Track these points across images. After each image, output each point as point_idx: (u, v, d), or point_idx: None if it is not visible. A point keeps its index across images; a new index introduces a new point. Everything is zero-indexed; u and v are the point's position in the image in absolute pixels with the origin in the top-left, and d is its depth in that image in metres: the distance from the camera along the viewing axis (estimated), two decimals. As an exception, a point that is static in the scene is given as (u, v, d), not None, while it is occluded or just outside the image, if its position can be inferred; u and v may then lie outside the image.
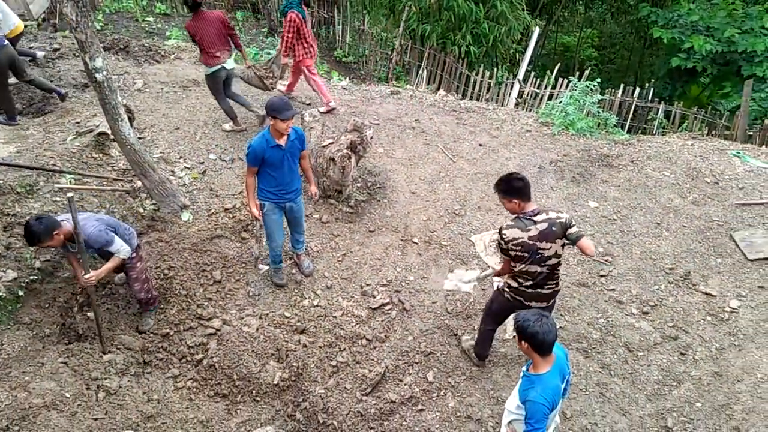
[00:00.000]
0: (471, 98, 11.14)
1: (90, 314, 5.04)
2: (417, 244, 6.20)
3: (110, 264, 4.58)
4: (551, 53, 20.27)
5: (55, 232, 4.17)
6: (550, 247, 3.88)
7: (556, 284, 4.16)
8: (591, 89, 8.27)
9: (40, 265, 4.97)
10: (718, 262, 5.70)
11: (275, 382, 4.90)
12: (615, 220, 6.26)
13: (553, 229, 3.85)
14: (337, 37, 13.90)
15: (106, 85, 5.17)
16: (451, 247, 6.14)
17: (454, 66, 12.60)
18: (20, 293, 4.71)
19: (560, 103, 8.27)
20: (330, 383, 4.89)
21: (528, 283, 4.06)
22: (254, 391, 4.87)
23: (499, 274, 4.45)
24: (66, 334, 4.84)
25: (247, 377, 4.91)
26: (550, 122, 8.05)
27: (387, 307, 5.57)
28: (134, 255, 4.84)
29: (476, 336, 4.93)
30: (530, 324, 3.10)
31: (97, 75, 5.08)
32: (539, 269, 3.96)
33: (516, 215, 3.94)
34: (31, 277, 4.81)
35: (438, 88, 12.34)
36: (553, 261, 3.97)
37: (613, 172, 6.92)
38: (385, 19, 15.02)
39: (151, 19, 12.28)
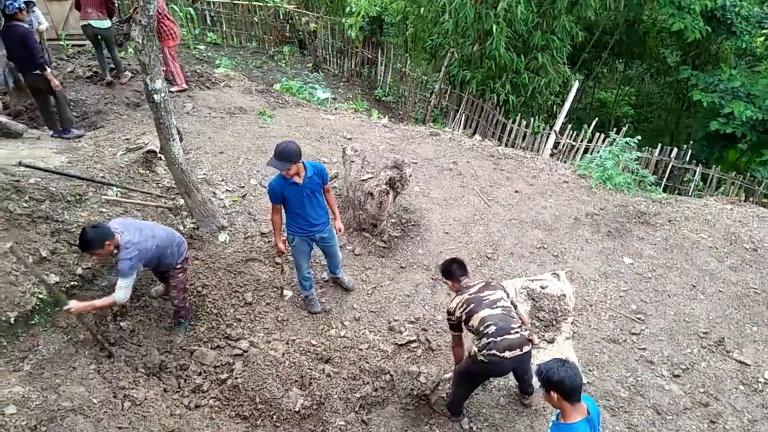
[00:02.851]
0: (506, 145, 11.23)
1: (123, 324, 5.14)
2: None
3: (98, 302, 4.44)
4: (587, 107, 20.42)
5: (107, 242, 4.28)
6: (494, 293, 4.37)
7: (520, 326, 4.23)
8: (630, 146, 8.29)
9: (81, 272, 5.10)
10: (753, 331, 5.57)
11: (296, 409, 4.87)
12: (650, 278, 6.19)
13: (491, 283, 4.53)
14: (379, 77, 14.28)
15: (162, 105, 5.39)
16: (481, 291, 6.11)
17: (492, 113, 12.79)
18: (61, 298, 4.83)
19: (599, 157, 8.29)
20: (350, 417, 4.86)
21: (491, 330, 4.10)
22: (275, 416, 4.85)
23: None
24: (98, 342, 4.92)
25: (270, 401, 4.90)
26: (588, 175, 8.08)
27: (413, 345, 5.55)
28: (179, 266, 4.99)
29: (450, 396, 4.86)
30: (554, 371, 3.07)
31: (155, 96, 5.31)
32: (492, 311, 4.21)
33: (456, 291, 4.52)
34: (72, 283, 4.94)
35: (474, 133, 12.51)
36: (503, 303, 4.31)
37: (649, 230, 6.87)
38: (426, 63, 15.39)
39: (202, 47, 12.80)
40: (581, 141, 11.63)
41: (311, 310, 5.77)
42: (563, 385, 3.05)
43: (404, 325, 5.73)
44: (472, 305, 4.27)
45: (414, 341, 5.57)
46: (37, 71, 6.55)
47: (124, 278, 4.38)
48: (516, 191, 7.61)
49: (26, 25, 6.59)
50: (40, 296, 4.65)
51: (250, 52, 14.11)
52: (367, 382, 5.15)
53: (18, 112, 7.65)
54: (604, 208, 7.33)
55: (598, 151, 8.81)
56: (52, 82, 6.71)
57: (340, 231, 5.62)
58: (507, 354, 4.09)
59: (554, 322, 5.83)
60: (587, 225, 7.04)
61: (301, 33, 14.71)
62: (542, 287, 6.22)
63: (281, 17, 14.60)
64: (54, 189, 5.28)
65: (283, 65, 13.58)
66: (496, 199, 7.44)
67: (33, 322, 4.57)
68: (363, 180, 6.58)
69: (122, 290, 4.40)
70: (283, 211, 5.13)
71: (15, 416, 3.87)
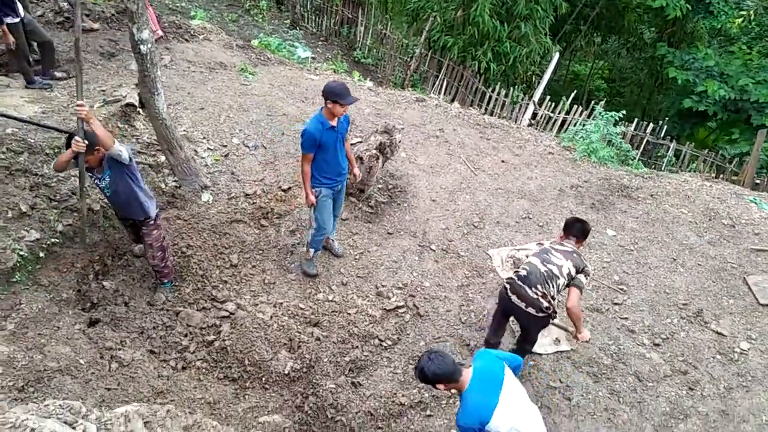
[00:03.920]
0: (486, 114, 11.20)
1: (105, 283, 4.98)
2: (434, 251, 6.21)
3: (104, 131, 4.18)
4: (561, 79, 20.51)
5: (96, 148, 4.21)
6: (560, 259, 4.34)
7: (543, 296, 4.25)
8: (615, 120, 8.37)
9: (62, 228, 4.89)
10: (730, 303, 5.78)
11: (286, 372, 4.85)
12: (632, 250, 6.33)
13: (573, 255, 4.37)
14: (359, 38, 13.94)
15: (149, 57, 5.14)
16: (468, 258, 6.15)
17: (472, 81, 12.71)
18: (41, 254, 4.63)
19: (584, 129, 8.34)
20: (341, 380, 4.86)
21: (522, 273, 4.37)
22: (264, 378, 4.82)
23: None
24: (81, 300, 4.76)
25: (258, 364, 4.85)
26: (572, 147, 8.14)
27: (401, 310, 5.56)
28: (152, 222, 4.80)
29: None
30: (426, 368, 3.16)
31: (141, 47, 5.05)
32: (539, 265, 4.34)
33: None
34: (53, 240, 4.74)
35: (453, 100, 12.44)
36: (554, 270, 4.29)
37: (632, 204, 7.00)
38: (407, 26, 15.10)
39: (177, -3, 12.22)
40: (559, 113, 11.71)
41: (309, 272, 5.69)
42: (440, 376, 3.15)
43: (392, 291, 5.72)
44: (539, 251, 4.45)
45: (402, 307, 5.58)
46: None
47: (121, 150, 4.24)
48: (502, 161, 7.61)
49: None
50: (21, 253, 4.44)
51: (225, 5, 13.55)
52: (356, 346, 5.15)
53: (-17, 58, 7.17)
54: (588, 180, 7.41)
55: (583, 124, 8.86)
56: (5, 38, 6.28)
57: (358, 177, 5.66)
58: (513, 298, 4.29)
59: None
60: (571, 197, 7.11)
61: (279, -12, 14.20)
62: (527, 256, 6.28)
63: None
64: (32, 141, 5.00)
65: (260, 20, 13.10)
66: (483, 168, 7.43)
67: (14, 279, 4.38)
68: (352, 144, 6.45)
69: (123, 152, 4.26)
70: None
71: (1, 377, 3.71)
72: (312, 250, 5.63)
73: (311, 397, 4.70)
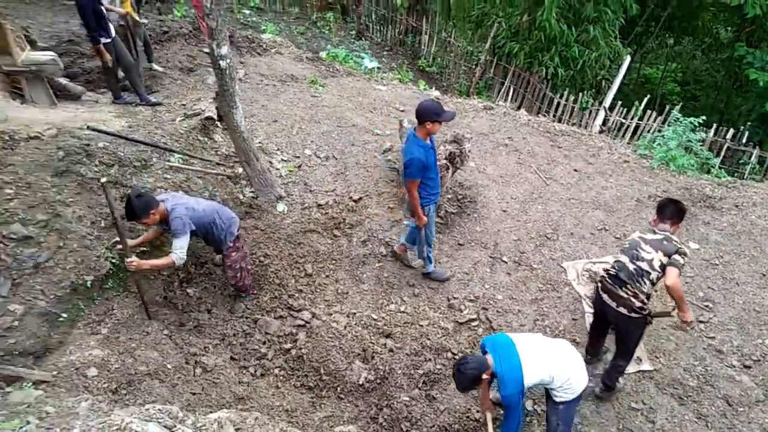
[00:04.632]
0: (556, 121, 10.96)
1: (189, 290, 5.19)
2: (506, 263, 6.12)
3: (157, 261, 4.45)
4: (631, 83, 19.80)
5: (151, 211, 4.29)
6: (649, 254, 4.19)
7: (635, 296, 4.19)
8: (694, 126, 8.00)
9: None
10: (828, 323, 5.39)
11: (360, 382, 4.89)
12: (717, 265, 6.02)
13: (663, 244, 4.21)
14: (423, 47, 13.97)
15: (227, 72, 5.31)
16: (541, 271, 6.03)
17: (539, 87, 12.47)
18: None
19: (661, 135, 8.02)
20: (415, 393, 4.86)
21: (612, 270, 4.35)
22: (339, 388, 4.88)
23: None
24: (167, 306, 4.97)
25: (334, 373, 4.92)
26: (649, 155, 7.84)
27: (474, 323, 5.50)
28: (231, 244, 4.93)
29: None
30: (458, 382, 3.72)
31: (221, 62, 5.23)
32: (628, 262, 4.25)
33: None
34: (143, 249, 4.96)
35: (519, 107, 12.25)
36: (644, 266, 4.18)
37: (715, 215, 6.66)
38: (471, 33, 15.01)
39: (246, 11, 12.62)
40: (632, 118, 11.29)
41: (443, 278, 5.84)
42: (476, 370, 3.61)
43: (464, 303, 5.68)
44: (628, 245, 4.30)
45: (474, 320, 5.52)
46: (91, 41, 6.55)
47: (178, 238, 4.39)
48: (575, 170, 7.42)
49: None
50: (113, 261, 4.68)
51: (292, 18, 13.91)
52: (429, 359, 5.13)
53: (74, 74, 7.65)
54: (667, 190, 7.11)
55: (659, 131, 8.51)
56: (103, 56, 6.68)
57: None
58: (605, 297, 4.28)
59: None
60: (650, 207, 6.84)
61: (344, -1, 14.45)
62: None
63: (325, -18, 14.36)
64: (122, 154, 5.27)
65: (327, 32, 13.37)
66: (555, 177, 7.27)
67: (107, 286, 4.63)
68: (422, 154, 6.46)
69: (178, 251, 4.40)
70: None
71: (97, 378, 3.93)
72: (430, 264, 5.76)
73: (385, 409, 4.72)
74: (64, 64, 6.87)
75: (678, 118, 8.13)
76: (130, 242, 4.50)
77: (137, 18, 7.69)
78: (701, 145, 8.12)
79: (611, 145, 8.16)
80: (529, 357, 3.65)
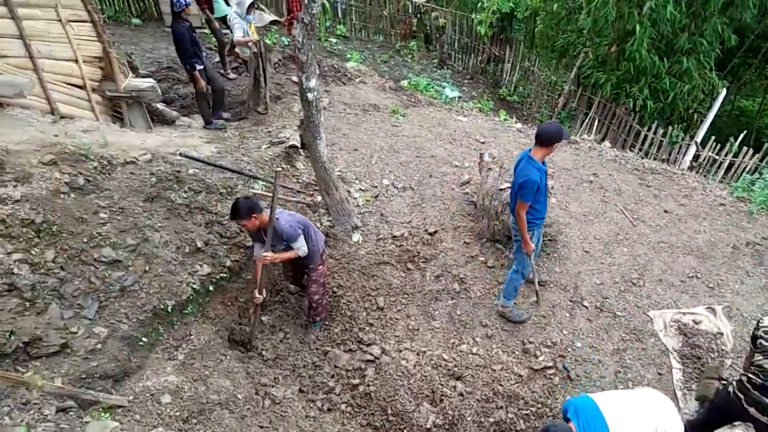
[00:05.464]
0: (645, 156, 10.45)
1: (264, 318, 5.27)
2: (587, 308, 5.81)
3: (287, 254, 4.68)
4: (724, 115, 18.63)
5: (254, 215, 4.43)
6: None
7: None
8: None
9: (230, 263, 5.27)
10: None
11: (428, 427, 4.76)
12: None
13: None
14: (504, 75, 13.80)
15: (314, 104, 5.42)
16: (625, 319, 5.67)
17: (625, 119, 11.97)
18: (210, 288, 5.00)
19: (762, 177, 7.44)
20: (485, 441, 4.67)
21: (757, 381, 3.59)
22: (405, 431, 4.77)
23: None
24: (241, 334, 5.06)
25: (401, 414, 4.82)
26: (747, 198, 7.27)
27: (550, 371, 5.24)
28: (319, 260, 5.03)
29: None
30: None
31: (308, 94, 5.34)
32: None
33: None
34: (221, 275, 5.10)
35: (603, 139, 11.80)
36: None
37: (828, 269, 6.07)
38: (555, 62, 14.70)
39: (333, 40, 12.95)
40: (725, 155, 10.57)
41: (518, 319, 5.62)
42: None
43: (540, 349, 5.42)
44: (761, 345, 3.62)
45: (551, 368, 5.26)
46: (188, 68, 6.92)
47: (294, 240, 4.62)
48: (665, 211, 6.99)
49: (188, 24, 6.91)
50: (194, 286, 4.83)
51: (377, 46, 14.15)
52: (501, 407, 4.92)
53: (171, 100, 8.08)
54: (768, 238, 6.56)
55: (759, 171, 7.90)
56: (198, 82, 7.03)
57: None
58: (752, 410, 3.60)
59: (709, 363, 5.29)
60: (748, 256, 6.33)
61: (428, 28, 14.51)
62: (695, 322, 5.68)
63: (410, 11, 14.50)
64: (210, 181, 5.47)
65: (410, 60, 13.49)
66: (642, 218, 6.88)
67: (187, 311, 4.77)
68: (501, 189, 6.31)
69: (301, 246, 4.68)
70: None
71: (170, 405, 4.03)
72: (508, 301, 5.57)
73: (454, 456, 4.56)
74: (162, 89, 7.27)
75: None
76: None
77: (268, 43, 8.12)
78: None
79: (705, 186, 7.64)
80: (617, 422, 3.32)
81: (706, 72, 12.05)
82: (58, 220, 4.23)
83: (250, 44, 7.78)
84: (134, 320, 4.29)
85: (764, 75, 18.14)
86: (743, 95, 19.99)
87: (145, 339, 4.34)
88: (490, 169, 6.67)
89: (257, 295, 4.68)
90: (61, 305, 3.97)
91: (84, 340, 3.97)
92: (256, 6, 8.01)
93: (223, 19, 8.67)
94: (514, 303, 5.65)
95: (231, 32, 8.10)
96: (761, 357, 3.59)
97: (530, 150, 4.80)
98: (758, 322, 3.69)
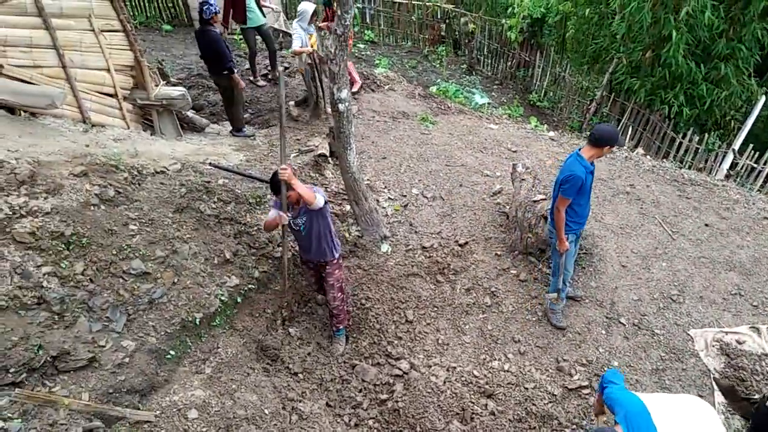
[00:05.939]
0: (682, 165, 10.14)
1: (291, 330, 5.19)
2: (624, 325, 5.60)
3: (303, 188, 4.41)
4: (760, 121, 18.04)
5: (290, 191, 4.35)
6: None
7: None
8: None
9: (258, 274, 5.21)
10: None
11: (458, 446, 4.62)
12: None
13: None
14: (535, 81, 13.58)
15: (345, 115, 5.35)
16: (664, 338, 5.45)
17: (659, 125, 11.66)
18: (238, 300, 4.95)
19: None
20: (517, 464, 4.51)
21: None
22: (435, 450, 4.63)
23: None
24: (269, 347, 4.98)
25: (430, 432, 4.69)
26: (794, 211, 6.98)
27: (585, 391, 5.05)
28: (335, 262, 4.94)
29: None
30: None
31: (339, 105, 5.27)
32: None
33: None
34: (249, 286, 5.05)
35: (636, 146, 11.52)
36: None
37: None
38: (587, 67, 14.41)
39: (361, 45, 12.90)
40: (765, 163, 10.20)
41: (558, 324, 5.54)
42: None
43: (575, 367, 5.24)
44: None
45: (586, 387, 5.06)
46: (225, 72, 6.85)
47: (320, 194, 4.50)
48: (706, 224, 6.73)
49: (218, 30, 6.90)
50: (222, 298, 4.77)
51: (404, 51, 14.07)
52: (534, 427, 4.76)
53: (200, 107, 8.10)
54: (816, 254, 6.25)
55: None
56: (238, 85, 7.01)
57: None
58: None
59: (754, 387, 5.04)
60: (794, 273, 6.05)
61: (456, 33, 14.37)
62: (739, 342, 5.42)
63: (439, 17, 14.38)
64: (239, 191, 5.44)
65: (438, 66, 13.36)
66: (682, 231, 6.63)
67: (214, 323, 4.72)
68: (535, 201, 6.15)
69: (317, 193, 4.50)
70: None
71: (196, 421, 3.97)
72: (561, 298, 5.48)
73: (485, 478, 4.41)
74: (192, 96, 7.28)
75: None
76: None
77: (322, 55, 8.07)
78: None
79: (748, 198, 7.34)
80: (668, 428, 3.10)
81: (745, 78, 11.66)
82: (87, 233, 4.21)
83: (304, 55, 7.74)
84: (162, 333, 4.24)
85: (805, 80, 17.55)
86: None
87: (172, 352, 4.29)
88: (523, 179, 6.52)
89: (283, 166, 4.33)
90: (89, 318, 3.95)
91: (112, 354, 3.93)
92: (315, 18, 7.94)
93: (258, 29, 8.66)
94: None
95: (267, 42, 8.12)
96: None
97: (580, 149, 4.73)
98: None
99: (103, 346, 3.92)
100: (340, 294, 5.09)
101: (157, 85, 6.78)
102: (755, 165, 10.33)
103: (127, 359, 3.97)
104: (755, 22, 10.36)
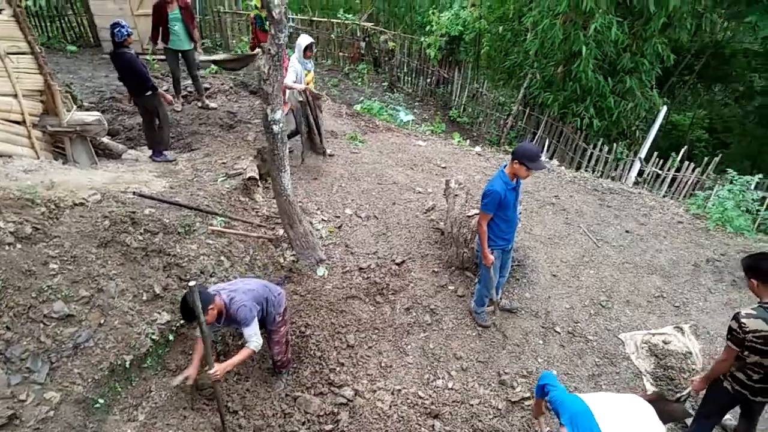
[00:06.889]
0: (592, 173, 10.68)
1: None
2: (559, 333, 5.75)
3: (238, 357, 4.20)
4: (660, 129, 19.40)
5: (210, 307, 3.98)
6: None
7: None
8: (749, 184, 7.64)
9: (190, 309, 4.90)
10: None
11: (409, 471, 4.53)
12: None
13: None
14: (454, 97, 13.91)
15: (279, 137, 5.21)
16: (597, 343, 5.65)
17: (572, 137, 12.26)
18: (170, 337, 4.63)
19: (717, 195, 7.67)
20: (469, 483, 4.47)
21: (757, 377, 3.73)
22: (386, 478, 4.52)
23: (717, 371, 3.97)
24: (205, 385, 4.70)
25: (380, 460, 4.57)
26: (703, 215, 7.48)
27: (527, 403, 5.11)
28: (280, 319, 4.71)
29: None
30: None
31: (273, 126, 5.12)
32: None
33: (759, 303, 3.67)
34: (181, 322, 4.73)
35: (551, 157, 12.02)
36: None
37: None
38: (503, 83, 14.95)
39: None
40: (668, 170, 10.94)
41: (484, 324, 5.71)
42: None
43: (516, 380, 5.31)
44: (766, 348, 3.57)
45: (528, 398, 5.13)
46: (149, 93, 6.53)
47: (248, 326, 4.18)
48: (626, 231, 7.09)
49: (132, 51, 6.56)
50: (153, 337, 4.45)
51: (325, 69, 14.00)
52: (483, 444, 4.75)
53: (116, 132, 7.63)
54: (725, 253, 6.72)
55: (713, 188, 8.14)
56: (166, 99, 6.75)
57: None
58: (759, 398, 3.80)
59: (683, 384, 5.31)
60: (708, 273, 6.46)
61: (376, 51, 14.49)
62: (665, 342, 5.71)
63: (359, 35, 14.45)
64: (167, 220, 5.11)
65: (360, 84, 13.39)
66: (606, 239, 6.94)
67: (145, 365, 4.38)
68: (469, 216, 6.22)
69: (254, 337, 4.23)
70: None
71: (132, 475, 3.65)
72: (479, 307, 5.67)
73: (438, 502, 4.34)
74: (106, 121, 6.83)
75: (734, 178, 7.76)
76: (191, 371, 4.24)
77: (315, 92, 7.64)
78: (759, 205, 7.69)
79: (662, 204, 7.82)
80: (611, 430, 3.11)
81: (648, 90, 12.51)
82: (2, 275, 3.80)
83: (296, 92, 7.32)
84: (89, 380, 3.87)
85: (697, 91, 19.12)
86: (676, 110, 20.98)
87: (101, 400, 3.92)
88: (456, 195, 6.59)
89: (212, 371, 3.97)
90: (7, 370, 3.54)
91: (34, 408, 3.54)
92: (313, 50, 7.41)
93: (183, 53, 8.22)
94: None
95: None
96: (757, 357, 3.64)
97: (505, 165, 4.86)
98: (738, 320, 3.65)
99: (24, 401, 3.52)
100: (284, 347, 4.89)
101: (69, 111, 6.31)
102: (660, 171, 11.01)
103: (51, 413, 3.59)
104: (656, 37, 11.13)
